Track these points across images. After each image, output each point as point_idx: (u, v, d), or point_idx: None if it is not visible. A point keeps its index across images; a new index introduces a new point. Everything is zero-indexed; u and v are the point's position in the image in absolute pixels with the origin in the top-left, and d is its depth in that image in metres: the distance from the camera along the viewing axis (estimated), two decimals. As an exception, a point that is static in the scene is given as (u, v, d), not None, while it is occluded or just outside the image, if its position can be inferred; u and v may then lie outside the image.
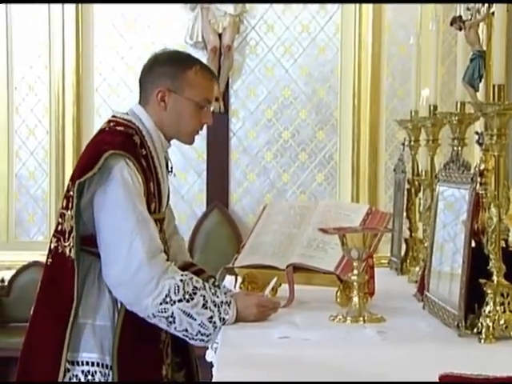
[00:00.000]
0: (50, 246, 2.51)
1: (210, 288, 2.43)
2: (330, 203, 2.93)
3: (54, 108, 6.06)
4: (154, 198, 2.51)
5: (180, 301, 2.34)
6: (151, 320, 2.38)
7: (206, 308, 2.36)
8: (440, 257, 2.44)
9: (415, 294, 2.73)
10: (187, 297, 2.35)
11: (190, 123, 2.59)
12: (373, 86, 6.03)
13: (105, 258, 2.40)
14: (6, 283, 5.86)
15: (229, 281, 2.94)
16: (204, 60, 5.98)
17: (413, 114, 3.26)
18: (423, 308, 2.48)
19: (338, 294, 2.57)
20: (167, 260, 2.43)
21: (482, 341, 2.09)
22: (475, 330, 2.12)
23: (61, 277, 2.43)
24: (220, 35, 5.97)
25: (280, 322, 2.35)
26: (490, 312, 2.11)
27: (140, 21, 6.04)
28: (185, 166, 6.18)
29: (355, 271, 2.38)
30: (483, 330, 2.09)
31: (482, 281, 2.13)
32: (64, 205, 2.48)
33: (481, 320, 2.11)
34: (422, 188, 3.22)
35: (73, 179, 2.46)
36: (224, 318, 2.35)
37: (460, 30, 2.90)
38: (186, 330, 2.36)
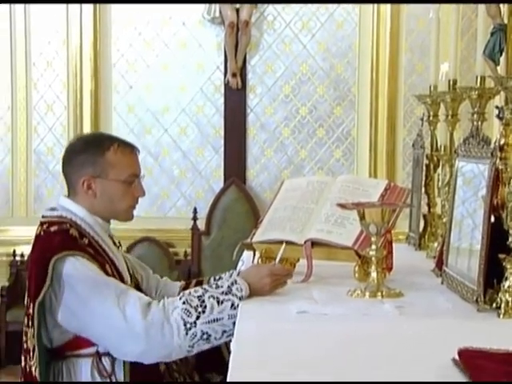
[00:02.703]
0: (21, 364, 2.50)
1: (211, 285, 2.42)
2: (349, 178, 2.91)
3: (71, 83, 6.07)
4: (115, 277, 2.49)
5: (198, 318, 2.32)
6: (193, 351, 2.36)
7: (222, 303, 2.34)
8: (458, 232, 2.43)
9: (433, 269, 2.73)
10: (200, 310, 2.32)
11: (123, 202, 2.58)
12: (391, 61, 6.00)
13: (109, 344, 2.39)
14: (25, 258, 5.92)
15: (247, 256, 2.94)
16: (221, 35, 5.98)
17: (432, 88, 3.23)
18: (441, 283, 2.48)
19: (356, 269, 2.56)
20: (159, 301, 2.41)
21: (501, 316, 2.08)
22: (494, 305, 2.11)
23: None
24: (237, 10, 5.93)
25: (298, 297, 2.35)
26: (509, 287, 2.10)
27: (158, -4, 6.02)
28: (202, 142, 6.18)
29: (373, 246, 2.38)
30: (502, 305, 2.09)
31: (502, 256, 2.12)
32: (25, 322, 2.45)
33: (500, 295, 2.10)
34: (440, 163, 3.20)
35: (30, 295, 2.44)
36: (242, 296, 2.35)
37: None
38: (225, 331, 2.33)
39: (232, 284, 2.37)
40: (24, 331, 2.45)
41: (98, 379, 2.43)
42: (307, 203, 2.76)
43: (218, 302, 2.34)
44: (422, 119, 3.42)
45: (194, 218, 6.05)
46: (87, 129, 6.08)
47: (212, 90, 6.14)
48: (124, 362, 2.44)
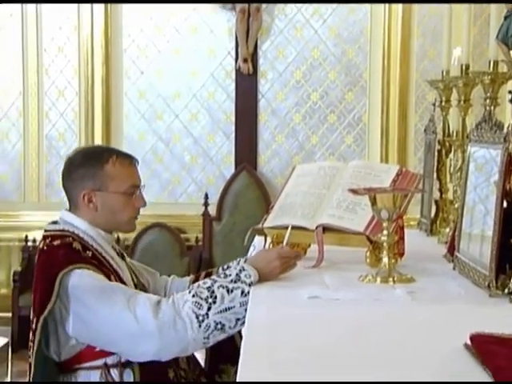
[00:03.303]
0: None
1: (220, 275, 2.40)
2: (360, 164, 2.90)
3: (83, 69, 6.08)
4: None
5: (209, 309, 2.31)
6: (210, 343, 2.35)
7: (232, 291, 2.33)
8: (471, 218, 2.43)
9: (445, 254, 2.72)
10: (210, 300, 2.31)
11: (124, 214, 2.58)
12: (403, 47, 5.98)
13: (124, 349, 2.39)
14: (37, 243, 5.94)
15: (258, 241, 2.95)
16: (233, 20, 5.97)
17: (444, 73, 3.21)
18: (453, 269, 2.47)
19: (368, 254, 2.56)
20: (168, 298, 2.41)
21: (513, 301, 2.08)
22: (506, 291, 2.10)
23: None
24: (249, -4, 5.92)
25: (309, 282, 2.35)
26: (521, 272, 2.09)
27: (169, -19, 6.01)
28: (213, 128, 6.18)
29: (385, 232, 2.37)
30: (514, 291, 2.09)
31: (514, 241, 2.12)
32: (30, 337, 2.45)
33: (512, 280, 2.10)
34: (452, 149, 3.19)
35: (34, 310, 2.44)
36: (251, 282, 2.34)
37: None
38: (238, 319, 2.32)
39: (240, 271, 2.36)
40: (29, 346, 2.45)
41: None
42: (319, 189, 2.75)
43: (227, 291, 2.33)
44: (434, 104, 3.41)
45: (205, 204, 6.06)
46: (98, 115, 6.10)
47: (223, 76, 6.13)
48: (133, 372, 2.44)
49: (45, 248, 2.51)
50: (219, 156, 6.21)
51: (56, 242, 2.49)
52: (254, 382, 1.39)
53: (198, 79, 6.14)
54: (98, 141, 6.12)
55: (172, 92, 6.16)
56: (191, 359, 2.68)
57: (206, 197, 6.06)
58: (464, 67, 2.98)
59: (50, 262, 2.46)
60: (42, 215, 5.88)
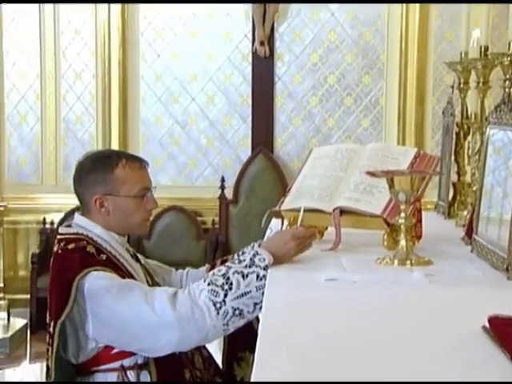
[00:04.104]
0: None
1: (234, 262, 2.39)
2: (378, 146, 2.88)
3: (100, 52, 6.09)
4: None
5: (226, 296, 2.30)
6: (230, 330, 2.35)
7: (247, 276, 2.32)
8: (489, 201, 2.41)
9: (463, 237, 2.71)
10: (226, 287, 2.31)
11: (137, 217, 2.59)
12: (421, 29, 5.94)
13: (145, 344, 2.39)
14: (55, 225, 5.99)
15: (275, 224, 2.94)
16: (249, 3, 5.95)
17: (463, 55, 3.19)
18: (471, 251, 2.46)
19: (385, 237, 2.55)
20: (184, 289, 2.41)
21: (531, 284, 2.07)
22: (524, 274, 2.10)
23: None
24: (266, -22, 5.90)
25: (327, 264, 2.34)
26: (539, 256, 2.08)
27: (185, -36, 6.00)
28: (230, 111, 6.18)
29: (402, 214, 2.36)
30: (532, 274, 2.08)
31: (532, 224, 2.10)
32: (47, 340, 2.46)
33: (530, 264, 2.09)
34: (471, 131, 3.17)
35: (50, 314, 2.45)
36: (266, 266, 2.33)
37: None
38: (256, 304, 2.32)
39: (254, 256, 2.36)
40: (46, 349, 2.47)
41: None
42: (336, 171, 2.74)
43: (242, 276, 2.32)
44: (452, 86, 3.39)
45: (222, 187, 6.06)
46: (115, 98, 6.10)
47: (240, 59, 6.12)
48: (150, 374, 2.45)
49: (59, 252, 2.52)
50: (236, 139, 6.21)
51: (70, 246, 2.50)
52: (268, 383, 1.39)
53: (214, 62, 6.13)
54: (115, 124, 6.13)
55: (188, 75, 6.15)
56: (207, 359, 2.69)
57: (223, 180, 6.07)
58: (483, 49, 2.96)
59: (65, 266, 2.47)
60: (60, 198, 5.92)
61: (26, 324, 5.68)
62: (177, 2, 5.98)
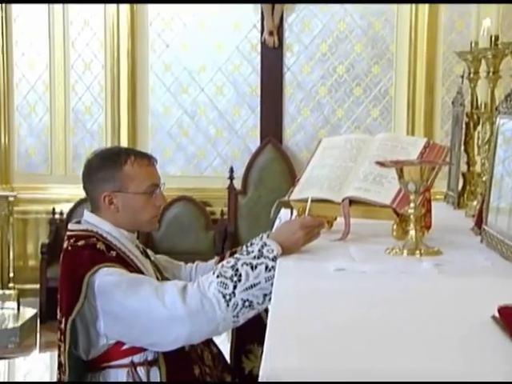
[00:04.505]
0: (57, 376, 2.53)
1: (242, 253, 2.39)
2: (387, 136, 2.88)
3: (108, 42, 6.09)
4: None
5: (235, 287, 2.30)
6: (240, 321, 2.34)
7: (256, 267, 2.32)
8: (499, 191, 2.41)
9: (473, 227, 2.70)
10: (235, 279, 2.31)
11: (146, 213, 2.59)
12: (430, 19, 5.92)
13: (156, 339, 2.38)
14: (64, 216, 6.01)
15: (284, 214, 2.94)
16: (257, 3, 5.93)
17: (473, 45, 3.18)
18: (481, 242, 2.46)
19: (395, 227, 2.55)
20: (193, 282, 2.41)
21: (542, 274, 2.07)
22: (534, 264, 2.10)
23: None
24: (275, -32, 5.88)
25: (336, 254, 2.34)
26: (549, 246, 2.08)
27: (194, -46, 5.98)
28: (239, 102, 6.17)
29: (412, 204, 2.35)
30: (543, 264, 2.07)
31: (543, 214, 2.10)
32: (58, 336, 2.46)
33: (540, 254, 2.09)
34: (480, 121, 3.16)
35: (61, 310, 2.45)
36: (274, 257, 2.33)
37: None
38: (266, 295, 2.31)
39: (262, 247, 2.35)
40: (58, 345, 2.47)
41: None
42: (345, 161, 2.74)
43: (251, 268, 2.32)
44: (462, 76, 3.37)
45: (231, 178, 6.07)
46: (124, 88, 6.11)
47: (248, 49, 6.11)
48: (160, 370, 2.46)
49: (69, 248, 2.52)
50: (244, 129, 6.21)
51: (80, 243, 2.50)
52: (277, 382, 1.39)
53: (223, 52, 6.12)
54: (124, 114, 6.14)
55: (197, 65, 6.15)
56: (216, 355, 2.69)
57: (232, 170, 6.07)
58: (493, 38, 2.95)
59: (75, 263, 2.47)
60: (69, 188, 5.93)
61: (36, 314, 5.71)
62: (183, 2, 5.96)
